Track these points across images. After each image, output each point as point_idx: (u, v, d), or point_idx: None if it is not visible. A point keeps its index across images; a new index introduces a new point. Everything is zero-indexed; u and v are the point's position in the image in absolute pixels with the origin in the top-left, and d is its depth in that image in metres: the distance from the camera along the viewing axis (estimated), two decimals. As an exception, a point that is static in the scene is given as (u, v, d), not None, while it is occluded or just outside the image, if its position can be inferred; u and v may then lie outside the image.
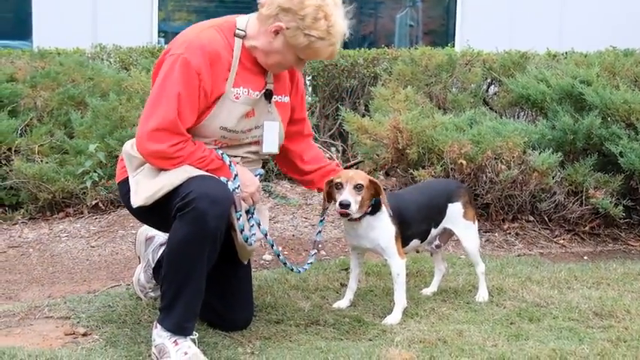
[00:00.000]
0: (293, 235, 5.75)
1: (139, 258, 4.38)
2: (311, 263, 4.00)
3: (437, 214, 4.25)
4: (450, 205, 4.26)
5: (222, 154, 3.54)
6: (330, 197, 3.92)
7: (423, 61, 7.38)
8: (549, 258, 5.67)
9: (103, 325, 3.96)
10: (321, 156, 4.03)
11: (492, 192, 5.98)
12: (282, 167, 4.09)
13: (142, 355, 3.56)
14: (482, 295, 4.43)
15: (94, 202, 6.19)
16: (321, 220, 3.98)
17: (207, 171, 3.43)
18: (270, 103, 3.71)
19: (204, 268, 3.39)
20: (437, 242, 4.45)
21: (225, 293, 3.84)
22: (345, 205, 3.74)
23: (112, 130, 6.45)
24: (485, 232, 6.06)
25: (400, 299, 4.04)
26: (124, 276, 4.99)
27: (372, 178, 3.82)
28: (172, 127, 3.37)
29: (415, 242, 4.19)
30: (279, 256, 3.88)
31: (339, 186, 3.78)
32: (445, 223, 4.29)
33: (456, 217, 4.29)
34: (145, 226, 4.19)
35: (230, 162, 3.52)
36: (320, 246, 4.60)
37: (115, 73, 7.42)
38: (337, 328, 3.96)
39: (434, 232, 4.29)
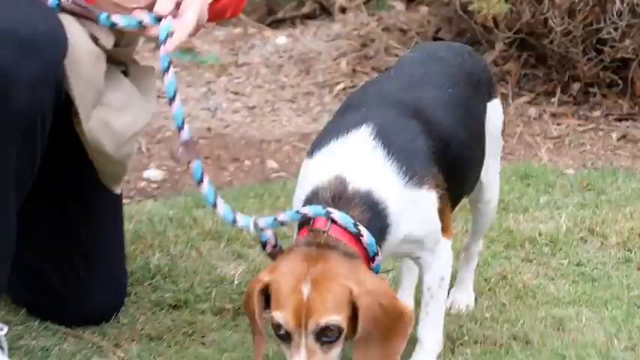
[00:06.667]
0: (209, 129, 4.12)
1: None
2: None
3: (481, 131, 2.69)
4: (489, 105, 2.74)
5: None
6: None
7: None
8: None
9: None
10: None
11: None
12: None
13: None
14: None
15: None
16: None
17: None
18: None
19: (10, 193, 2.45)
20: None
21: (70, 255, 2.85)
22: None
23: None
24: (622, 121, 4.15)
25: (433, 335, 2.45)
26: None
27: (359, 291, 2.19)
28: None
29: None
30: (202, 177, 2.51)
31: (283, 333, 2.19)
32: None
33: (499, 134, 2.80)
34: None
35: None
36: None
37: None
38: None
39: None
